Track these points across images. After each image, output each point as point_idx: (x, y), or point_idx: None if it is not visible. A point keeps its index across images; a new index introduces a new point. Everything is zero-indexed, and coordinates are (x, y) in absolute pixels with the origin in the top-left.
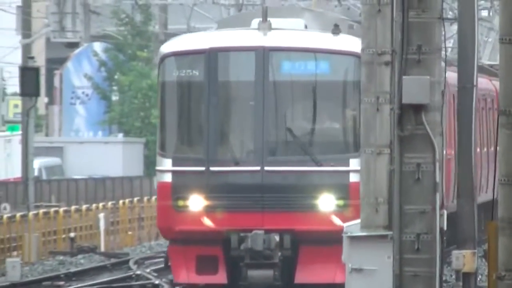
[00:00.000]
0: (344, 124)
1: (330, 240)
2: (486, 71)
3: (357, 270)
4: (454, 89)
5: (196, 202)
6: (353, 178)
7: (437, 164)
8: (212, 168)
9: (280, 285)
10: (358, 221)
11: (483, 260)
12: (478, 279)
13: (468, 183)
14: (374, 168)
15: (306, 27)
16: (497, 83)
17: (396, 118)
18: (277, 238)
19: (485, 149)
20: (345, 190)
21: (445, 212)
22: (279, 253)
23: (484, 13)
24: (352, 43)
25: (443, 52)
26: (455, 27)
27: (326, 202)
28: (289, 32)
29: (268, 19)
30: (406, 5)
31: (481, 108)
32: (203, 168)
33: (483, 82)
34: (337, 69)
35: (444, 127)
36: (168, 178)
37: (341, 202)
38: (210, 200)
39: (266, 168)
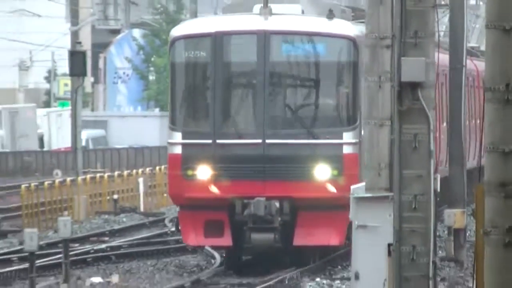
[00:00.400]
0: (338, 101)
1: (326, 206)
2: (469, 52)
3: (363, 227)
4: (445, 69)
5: (203, 172)
6: (346, 150)
7: (432, 134)
8: (218, 141)
9: (280, 247)
10: (363, 184)
11: (471, 217)
12: (467, 234)
13: (458, 151)
14: (377, 138)
15: (303, 12)
16: (477, 63)
17: (396, 94)
18: (277, 204)
19: (468, 122)
20: (339, 161)
21: (439, 176)
22: (279, 218)
23: (472, 2)
24: (344, 27)
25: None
26: (447, 14)
27: (322, 171)
28: (288, 17)
29: (268, 5)
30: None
31: (473, 86)
32: (210, 141)
33: (476, 64)
34: (332, 50)
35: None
36: (178, 150)
37: (335, 172)
38: (216, 170)
39: (267, 140)
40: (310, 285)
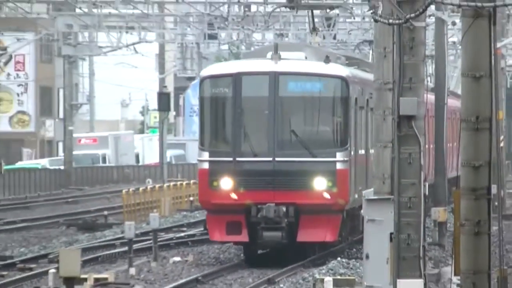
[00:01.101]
0: (333, 128)
1: (323, 210)
2: (456, 94)
3: (371, 220)
4: (431, 106)
5: (226, 183)
6: (339, 166)
7: (421, 153)
8: (237, 159)
9: (286, 243)
10: (372, 189)
11: (451, 214)
12: (448, 226)
13: (441, 166)
14: (382, 156)
15: (306, 58)
16: (456, 101)
17: (395, 124)
18: (284, 209)
19: (449, 144)
20: (333, 175)
21: (427, 184)
22: (286, 220)
23: (452, 58)
24: (338, 69)
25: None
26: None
27: (319, 183)
28: (293, 61)
29: (278, 52)
30: (402, 52)
31: (452, 118)
32: (231, 159)
33: (454, 102)
34: (327, 88)
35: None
36: (206, 165)
37: (330, 183)
38: (236, 182)
39: (276, 158)
40: (333, 262)
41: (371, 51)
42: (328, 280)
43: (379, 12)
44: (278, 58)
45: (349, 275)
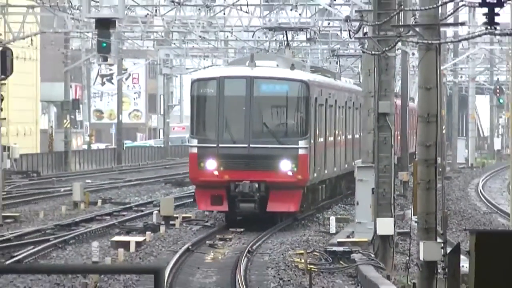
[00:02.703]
0: (296, 121)
1: (287, 187)
2: (413, 99)
3: (360, 180)
4: (398, 107)
5: (210, 164)
6: (301, 151)
7: (392, 137)
8: (220, 145)
9: (258, 212)
10: (360, 160)
11: (411, 176)
12: (409, 183)
13: (405, 145)
14: (367, 139)
15: (277, 65)
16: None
17: (376, 118)
18: (256, 185)
19: (410, 131)
20: (296, 158)
21: (396, 156)
22: (258, 194)
23: (411, 75)
24: (301, 74)
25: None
26: (400, 79)
27: (285, 165)
28: (266, 68)
29: (254, 60)
30: (380, 72)
31: (411, 114)
32: (215, 145)
33: (412, 104)
34: (292, 89)
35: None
36: (195, 150)
37: (293, 165)
38: (219, 163)
39: (251, 145)
40: (335, 207)
41: (338, 63)
42: (332, 218)
43: (366, 46)
44: (254, 65)
45: (345, 215)
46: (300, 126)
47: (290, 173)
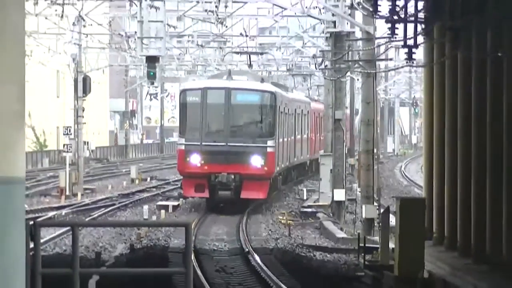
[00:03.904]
0: (265, 125)
1: (257, 178)
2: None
3: (323, 164)
4: (348, 115)
5: (195, 159)
6: (269, 149)
7: (343, 135)
8: (203, 143)
9: (234, 199)
10: (323, 150)
11: (357, 161)
12: (356, 165)
13: (352, 140)
14: (327, 136)
15: (247, 79)
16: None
17: (333, 122)
18: (232, 176)
19: (353, 132)
20: (265, 155)
21: (346, 148)
22: (233, 184)
23: (357, 92)
24: (269, 87)
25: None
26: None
27: (256, 160)
28: (241, 81)
29: (231, 75)
30: (335, 90)
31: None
32: (199, 143)
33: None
34: (262, 98)
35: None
36: (182, 147)
37: (262, 161)
38: (202, 158)
39: (228, 143)
40: (306, 182)
41: (293, 79)
42: (304, 189)
43: (326, 74)
44: (231, 78)
45: (313, 188)
46: (269, 128)
47: (259, 167)
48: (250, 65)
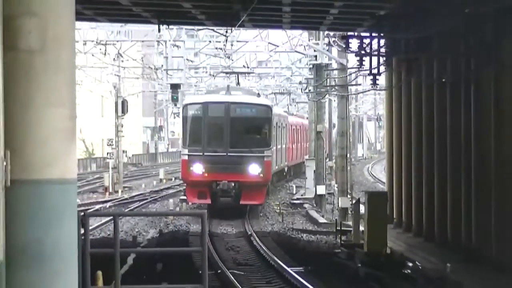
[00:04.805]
0: (262, 136)
1: (255, 186)
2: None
3: (308, 166)
4: (327, 128)
5: (197, 168)
6: (266, 159)
7: (323, 144)
8: (205, 153)
9: (233, 204)
10: (308, 155)
11: (335, 163)
12: (333, 167)
13: (331, 147)
14: (311, 145)
15: (242, 93)
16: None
17: (316, 133)
18: (233, 184)
19: (331, 140)
20: (262, 164)
21: (326, 153)
22: (233, 191)
23: (334, 110)
24: (265, 101)
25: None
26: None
27: (254, 169)
28: (239, 95)
29: (229, 90)
30: (317, 109)
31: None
32: (201, 153)
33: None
34: (259, 111)
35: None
36: (186, 157)
37: (260, 169)
38: (204, 167)
39: (229, 154)
40: (294, 180)
41: (275, 98)
42: (293, 185)
43: (310, 96)
44: (230, 94)
45: (300, 184)
46: (265, 140)
47: (257, 174)
48: (238, 84)
